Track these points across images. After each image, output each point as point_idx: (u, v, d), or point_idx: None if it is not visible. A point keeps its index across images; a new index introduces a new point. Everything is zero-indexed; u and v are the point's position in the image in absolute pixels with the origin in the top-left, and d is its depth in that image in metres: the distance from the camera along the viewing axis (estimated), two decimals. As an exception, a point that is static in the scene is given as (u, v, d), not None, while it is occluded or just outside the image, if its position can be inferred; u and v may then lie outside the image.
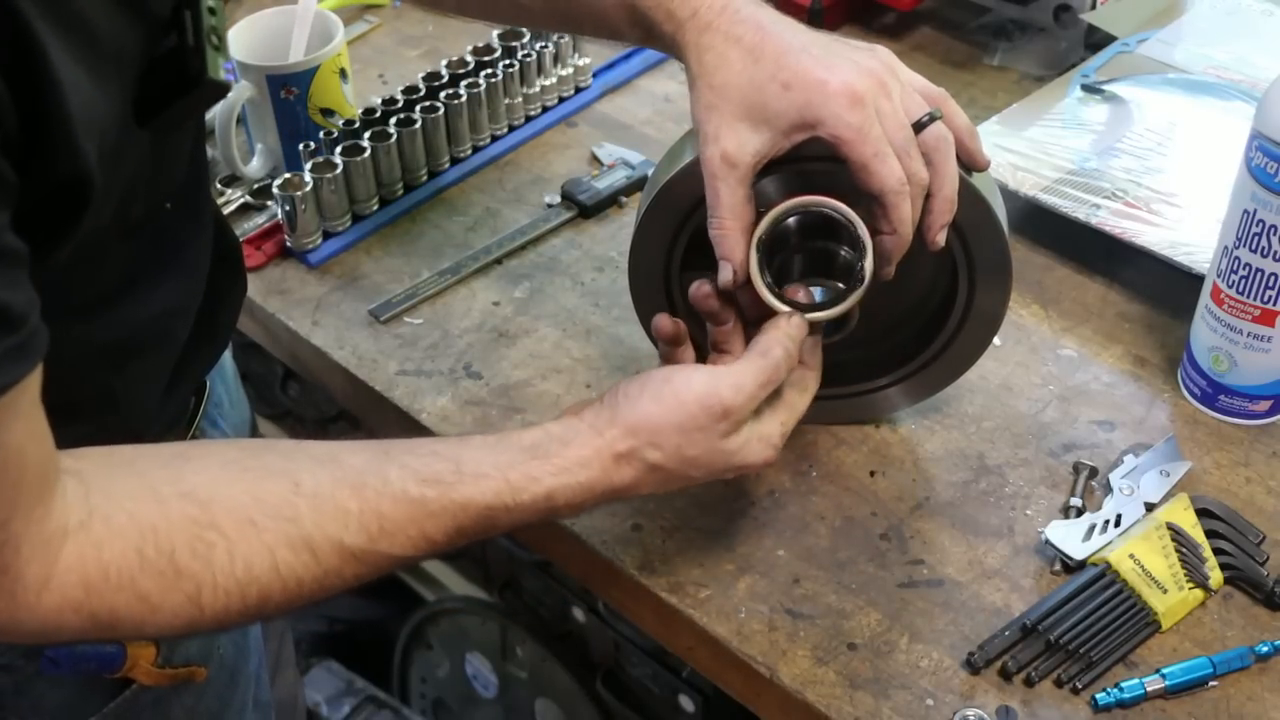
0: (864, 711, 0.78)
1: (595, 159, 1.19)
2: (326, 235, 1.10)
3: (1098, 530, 0.86)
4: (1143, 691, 0.78)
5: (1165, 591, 0.82)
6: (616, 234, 1.12)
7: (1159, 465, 0.90)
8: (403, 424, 0.97)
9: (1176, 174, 1.09)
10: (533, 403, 0.97)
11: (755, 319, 0.80)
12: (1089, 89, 1.18)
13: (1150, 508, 0.87)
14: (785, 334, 0.77)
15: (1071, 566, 0.85)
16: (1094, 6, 1.26)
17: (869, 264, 0.78)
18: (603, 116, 1.25)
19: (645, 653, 1.35)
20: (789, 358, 0.76)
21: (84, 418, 0.61)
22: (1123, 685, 0.78)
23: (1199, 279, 0.95)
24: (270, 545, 0.65)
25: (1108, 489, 0.89)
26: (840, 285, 0.80)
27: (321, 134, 1.11)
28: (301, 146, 1.11)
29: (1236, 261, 0.88)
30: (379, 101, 1.15)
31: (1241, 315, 0.90)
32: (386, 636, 1.67)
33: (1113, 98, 1.17)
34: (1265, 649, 0.80)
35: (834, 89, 0.74)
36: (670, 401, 0.73)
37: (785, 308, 0.79)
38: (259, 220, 1.12)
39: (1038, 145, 1.12)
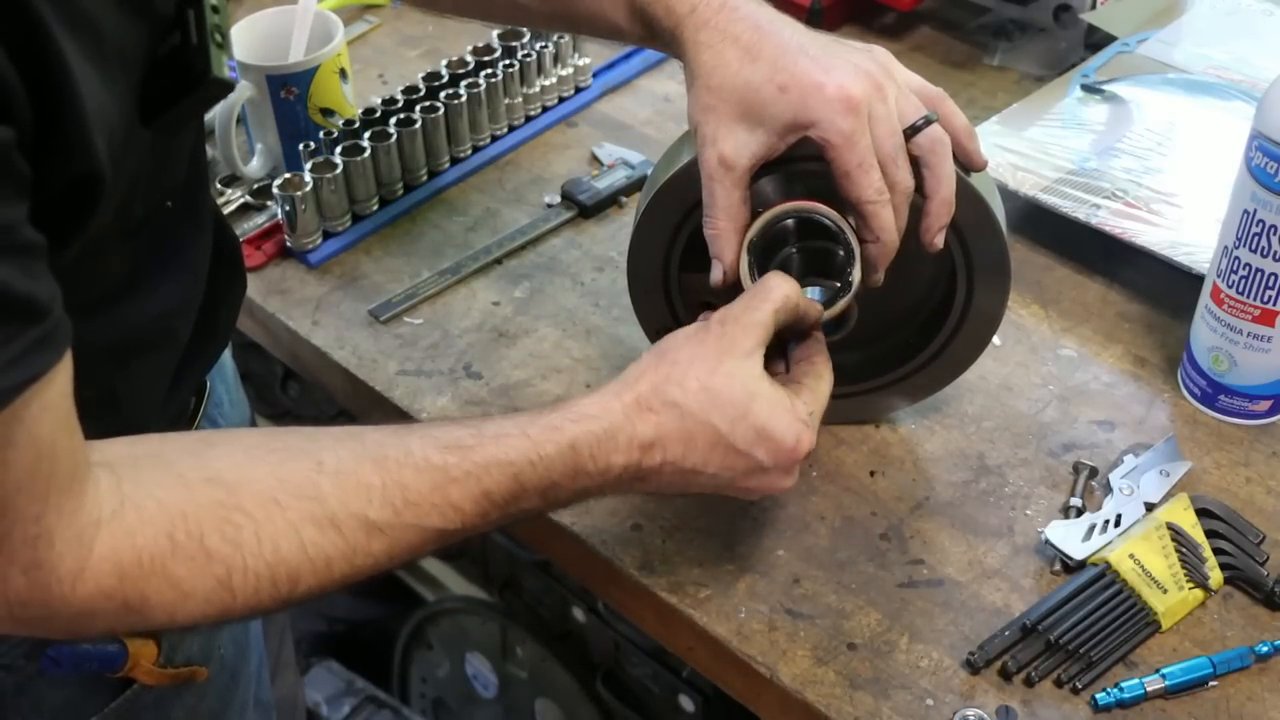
0: (864, 711, 0.78)
1: (595, 159, 1.19)
2: (326, 235, 1.10)
3: (1098, 530, 0.86)
4: (1143, 691, 0.78)
5: (1165, 591, 0.82)
6: (616, 234, 1.12)
7: (1159, 465, 0.90)
8: (403, 424, 0.97)
9: (1176, 174, 1.09)
10: (533, 403, 0.97)
11: None
12: (1089, 89, 1.18)
13: (1150, 508, 0.87)
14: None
15: (1071, 566, 0.85)
16: (1094, 6, 1.26)
17: (856, 271, 0.78)
18: (603, 116, 1.25)
19: (645, 653, 1.35)
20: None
21: (85, 417, 0.60)
22: (1123, 685, 0.78)
23: (1199, 279, 0.95)
24: (295, 524, 0.64)
25: (1108, 489, 0.89)
26: (837, 285, 0.80)
27: (321, 134, 1.11)
28: (301, 146, 1.11)
29: (1236, 261, 0.88)
30: (379, 101, 1.15)
31: (1241, 315, 0.90)
32: (386, 636, 1.67)
33: (1113, 98, 1.17)
34: (1265, 649, 0.80)
35: (830, 93, 0.74)
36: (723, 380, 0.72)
37: None
38: (259, 220, 1.12)
39: (1037, 145, 1.12)
